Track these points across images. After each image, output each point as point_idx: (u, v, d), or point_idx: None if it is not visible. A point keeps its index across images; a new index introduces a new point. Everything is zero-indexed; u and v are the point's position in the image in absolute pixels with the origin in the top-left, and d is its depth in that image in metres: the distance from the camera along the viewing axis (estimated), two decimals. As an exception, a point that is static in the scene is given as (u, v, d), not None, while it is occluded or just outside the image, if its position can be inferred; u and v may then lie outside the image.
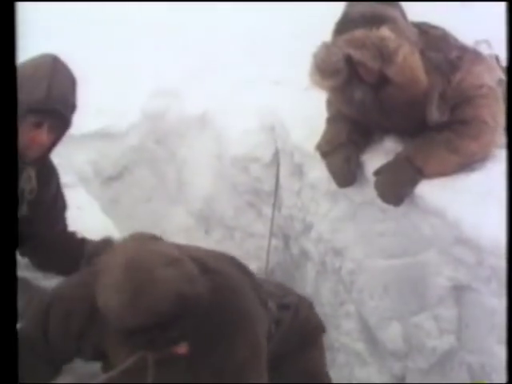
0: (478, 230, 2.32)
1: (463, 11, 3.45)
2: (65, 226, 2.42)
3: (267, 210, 3.46)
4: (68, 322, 1.78)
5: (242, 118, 3.47)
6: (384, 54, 2.34)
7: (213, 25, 4.26)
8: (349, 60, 2.44)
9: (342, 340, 3.09)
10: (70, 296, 1.82)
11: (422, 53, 2.46)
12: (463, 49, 2.60)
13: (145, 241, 1.64)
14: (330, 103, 2.86)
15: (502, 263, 2.03)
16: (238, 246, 3.60)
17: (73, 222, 2.44)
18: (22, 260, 2.36)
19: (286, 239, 3.50)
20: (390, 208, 2.61)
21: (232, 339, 1.75)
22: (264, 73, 3.73)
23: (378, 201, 2.61)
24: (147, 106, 3.71)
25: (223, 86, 3.69)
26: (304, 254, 3.31)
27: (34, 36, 2.51)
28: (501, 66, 2.71)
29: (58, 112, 2.05)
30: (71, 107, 2.10)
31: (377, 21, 2.36)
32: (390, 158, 2.63)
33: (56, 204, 2.35)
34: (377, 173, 2.62)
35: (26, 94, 1.94)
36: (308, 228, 3.18)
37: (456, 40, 2.62)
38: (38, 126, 2.04)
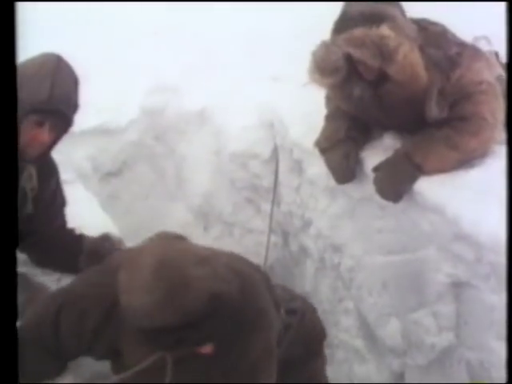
0: (478, 227, 2.32)
1: (463, 11, 3.44)
2: (64, 222, 2.41)
3: (266, 207, 3.46)
4: (83, 322, 1.75)
5: (240, 115, 3.47)
6: (384, 53, 2.34)
7: (212, 22, 4.25)
8: (348, 58, 2.43)
9: (341, 336, 3.10)
10: (84, 295, 1.79)
11: (422, 49, 2.46)
12: (463, 45, 2.59)
13: (172, 240, 1.63)
14: (328, 100, 2.86)
15: (502, 260, 2.04)
16: (236, 242, 3.60)
17: (72, 219, 2.43)
18: (20, 256, 2.34)
19: (285, 235, 3.50)
20: (389, 204, 2.61)
21: (248, 339, 1.74)
22: (263, 69, 3.72)
23: (377, 197, 2.61)
24: (146, 102, 3.69)
25: (222, 83, 3.68)
26: (303, 251, 3.31)
27: (34, 36, 2.50)
28: (500, 63, 2.72)
29: (61, 112, 2.04)
30: (73, 107, 2.09)
31: (376, 19, 2.35)
32: (389, 154, 2.62)
33: (55, 200, 2.34)
34: (376, 169, 2.62)
35: (29, 93, 1.94)
36: (307, 224, 3.18)
37: (455, 36, 2.62)
38: (40, 124, 2.03)
